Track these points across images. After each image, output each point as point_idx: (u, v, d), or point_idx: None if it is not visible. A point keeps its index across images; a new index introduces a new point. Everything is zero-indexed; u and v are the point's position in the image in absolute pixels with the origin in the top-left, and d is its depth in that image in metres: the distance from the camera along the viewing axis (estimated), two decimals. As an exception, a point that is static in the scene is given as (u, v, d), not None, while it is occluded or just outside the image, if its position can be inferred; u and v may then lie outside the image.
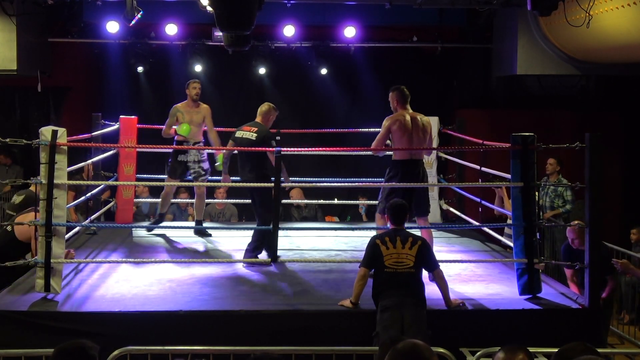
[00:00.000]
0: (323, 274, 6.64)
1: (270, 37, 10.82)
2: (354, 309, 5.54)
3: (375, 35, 11.16)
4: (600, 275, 5.99)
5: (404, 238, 5.37)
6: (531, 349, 4.77)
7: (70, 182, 6.18)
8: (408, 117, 6.44)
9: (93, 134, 7.90)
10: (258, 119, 7.06)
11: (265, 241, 6.75)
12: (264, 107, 7.14)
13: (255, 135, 6.86)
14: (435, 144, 8.69)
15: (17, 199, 6.97)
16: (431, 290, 5.54)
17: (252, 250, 6.79)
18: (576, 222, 6.66)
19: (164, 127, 8.07)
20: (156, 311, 5.55)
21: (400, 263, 5.28)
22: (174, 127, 8.00)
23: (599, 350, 5.23)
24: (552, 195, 8.96)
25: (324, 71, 11.26)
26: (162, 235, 8.15)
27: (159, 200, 9.65)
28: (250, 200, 7.15)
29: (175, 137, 8.00)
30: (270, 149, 6.65)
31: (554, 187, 8.81)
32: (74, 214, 8.90)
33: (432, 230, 6.94)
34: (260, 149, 6.71)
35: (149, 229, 8.20)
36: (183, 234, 8.18)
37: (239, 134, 7.02)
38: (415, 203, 6.46)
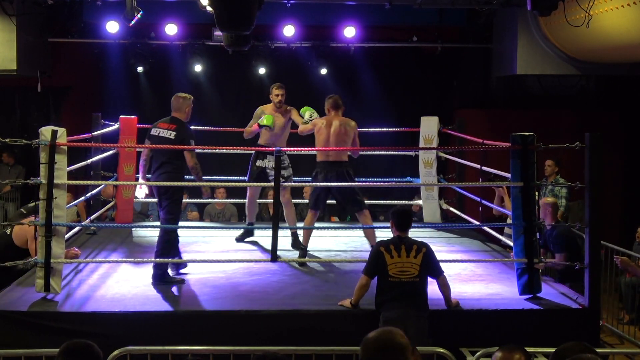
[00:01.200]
0: (323, 274, 6.64)
1: (270, 37, 10.82)
2: (353, 310, 5.54)
3: (375, 35, 11.16)
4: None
5: (408, 246, 5.31)
6: (531, 349, 4.79)
7: (70, 182, 6.18)
8: (333, 121, 6.99)
9: (93, 134, 7.90)
10: (175, 114, 6.40)
11: (172, 248, 6.30)
12: (178, 99, 6.43)
13: (174, 134, 6.26)
14: (435, 144, 8.72)
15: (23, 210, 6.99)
16: (431, 289, 5.52)
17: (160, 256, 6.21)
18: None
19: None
20: (156, 311, 5.55)
21: (405, 272, 5.23)
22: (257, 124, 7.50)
23: (598, 350, 5.24)
24: (550, 195, 8.96)
25: (324, 71, 11.26)
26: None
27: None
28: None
29: (260, 131, 7.54)
30: (190, 147, 6.23)
31: (552, 187, 8.83)
32: (84, 212, 8.94)
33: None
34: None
35: (238, 241, 7.85)
36: (183, 234, 8.16)
37: (154, 131, 6.37)
38: (341, 202, 7.03)
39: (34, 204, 6.79)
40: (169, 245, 6.30)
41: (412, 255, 5.27)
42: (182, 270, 6.51)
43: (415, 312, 5.17)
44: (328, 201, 7.32)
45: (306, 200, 9.62)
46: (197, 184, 6.38)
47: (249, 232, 7.94)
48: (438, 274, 5.44)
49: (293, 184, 7.50)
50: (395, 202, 9.99)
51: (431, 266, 5.36)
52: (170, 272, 6.35)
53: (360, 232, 8.28)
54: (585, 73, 10.33)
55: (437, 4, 9.43)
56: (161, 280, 6.19)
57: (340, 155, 6.91)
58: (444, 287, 5.49)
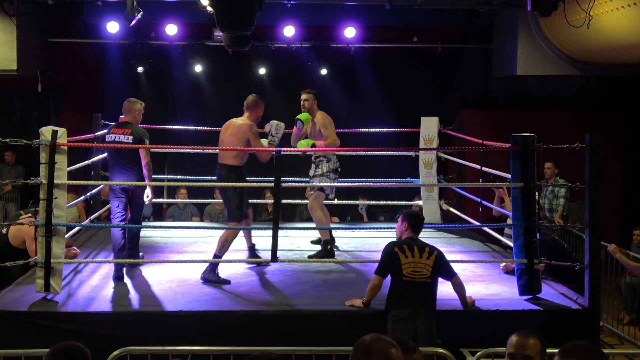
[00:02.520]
0: (323, 274, 6.64)
1: (270, 37, 10.82)
2: (354, 310, 5.53)
3: (376, 35, 11.16)
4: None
5: (420, 247, 5.36)
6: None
7: (70, 182, 6.18)
8: (228, 123, 6.77)
9: (96, 134, 7.90)
10: (126, 118, 6.73)
11: (137, 241, 6.64)
12: (129, 103, 6.77)
13: (130, 137, 6.51)
14: (435, 144, 8.73)
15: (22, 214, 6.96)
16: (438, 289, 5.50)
17: (129, 255, 6.50)
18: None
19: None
20: (156, 311, 5.55)
21: (418, 272, 5.26)
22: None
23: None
24: (550, 197, 8.98)
25: (324, 71, 11.26)
26: (162, 236, 8.14)
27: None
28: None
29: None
30: (145, 146, 6.50)
31: (552, 189, 8.84)
32: (83, 212, 8.93)
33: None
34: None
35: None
36: (183, 234, 8.17)
37: (110, 137, 6.62)
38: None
39: (32, 205, 6.80)
40: (138, 238, 6.70)
41: (424, 257, 5.31)
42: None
43: (425, 312, 5.19)
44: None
45: (306, 201, 9.64)
46: (200, 183, 6.37)
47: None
48: (451, 276, 5.48)
49: (296, 184, 7.45)
50: (396, 202, 10.02)
51: (443, 268, 5.40)
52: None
53: (360, 233, 8.32)
54: (585, 74, 10.34)
55: (437, 5, 9.43)
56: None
57: (223, 158, 6.59)
58: (459, 286, 5.53)
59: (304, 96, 7.35)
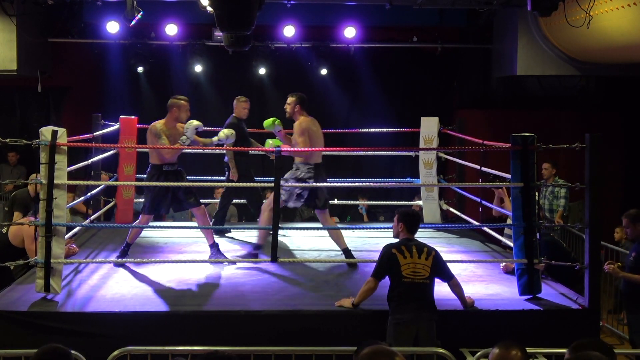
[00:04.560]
0: (323, 274, 6.64)
1: (270, 37, 10.82)
2: (354, 310, 5.54)
3: (376, 35, 11.17)
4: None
5: (419, 248, 5.32)
6: (531, 350, 4.77)
7: (70, 182, 6.18)
8: None
9: (94, 134, 7.91)
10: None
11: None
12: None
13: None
14: (435, 144, 8.73)
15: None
16: (436, 290, 5.51)
17: None
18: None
19: None
20: (156, 311, 5.55)
21: (417, 273, 5.23)
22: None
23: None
24: (550, 197, 8.98)
25: (324, 71, 11.27)
26: (162, 236, 8.14)
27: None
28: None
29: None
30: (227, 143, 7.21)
31: (552, 189, 8.83)
32: (84, 207, 8.93)
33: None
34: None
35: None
36: (183, 234, 8.17)
37: None
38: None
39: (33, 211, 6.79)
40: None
41: (423, 257, 5.28)
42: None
43: (427, 314, 5.18)
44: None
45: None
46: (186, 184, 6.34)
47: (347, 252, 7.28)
48: (449, 277, 5.46)
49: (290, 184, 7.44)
50: (396, 202, 10.01)
51: (441, 269, 5.38)
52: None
53: (360, 233, 8.32)
54: (585, 74, 10.34)
55: (437, 5, 9.44)
56: None
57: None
58: (456, 287, 5.52)
59: (287, 100, 7.13)
